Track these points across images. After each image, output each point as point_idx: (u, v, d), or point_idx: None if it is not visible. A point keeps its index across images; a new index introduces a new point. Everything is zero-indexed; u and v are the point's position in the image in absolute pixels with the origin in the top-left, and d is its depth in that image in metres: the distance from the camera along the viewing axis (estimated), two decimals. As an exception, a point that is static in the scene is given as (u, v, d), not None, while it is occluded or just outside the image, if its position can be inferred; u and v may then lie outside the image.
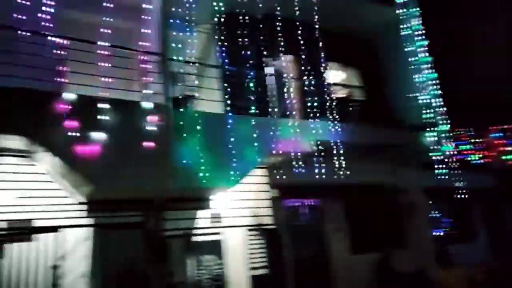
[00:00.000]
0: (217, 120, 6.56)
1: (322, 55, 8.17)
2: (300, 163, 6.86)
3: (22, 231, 5.77)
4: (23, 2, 5.39)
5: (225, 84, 7.15)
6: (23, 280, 5.67)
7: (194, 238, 6.71)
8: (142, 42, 6.29)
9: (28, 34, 5.28)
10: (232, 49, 7.16)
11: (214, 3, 7.14)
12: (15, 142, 5.30)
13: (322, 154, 7.16)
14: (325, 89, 8.13)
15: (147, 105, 5.84)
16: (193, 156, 5.97)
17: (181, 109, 6.31)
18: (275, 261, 6.98)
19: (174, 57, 6.42)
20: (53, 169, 5.68)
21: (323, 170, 7.18)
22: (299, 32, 8.04)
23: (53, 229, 5.74)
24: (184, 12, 6.59)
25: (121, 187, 5.66)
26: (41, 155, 5.46)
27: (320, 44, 8.09)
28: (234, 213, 7.04)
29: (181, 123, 6.01)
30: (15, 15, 5.34)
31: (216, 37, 7.60)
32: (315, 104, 7.72)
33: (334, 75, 9.57)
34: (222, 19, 7.26)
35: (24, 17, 5.35)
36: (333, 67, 9.44)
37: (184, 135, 5.99)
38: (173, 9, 6.54)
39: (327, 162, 7.21)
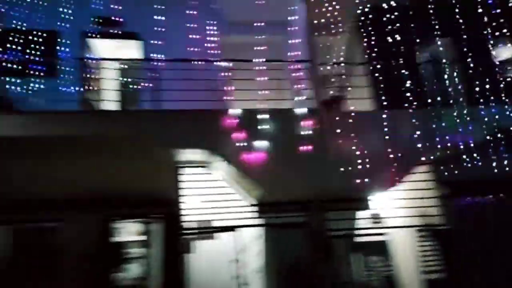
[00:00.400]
0: (371, 117, 6.40)
1: (487, 31, 7.08)
2: (473, 155, 6.05)
3: (207, 230, 6.76)
4: (196, 36, 6.47)
5: (375, 80, 6.92)
6: (209, 271, 6.63)
7: (358, 239, 6.64)
8: (292, 52, 6.66)
9: (200, 62, 6.22)
10: (379, 42, 6.90)
11: (357, 0, 7.03)
12: (197, 155, 6.29)
13: (502, 143, 6.15)
14: (496, 69, 7.00)
15: (301, 111, 6.14)
16: (350, 156, 5.97)
17: (333, 111, 6.40)
18: (451, 266, 6.29)
19: (322, 61, 6.58)
20: (227, 176, 6.48)
21: (505, 162, 6.16)
22: (454, 10, 7.16)
23: (231, 228, 6.56)
24: (328, 15, 6.71)
25: (286, 189, 6.09)
26: (217, 165, 6.32)
27: (484, 18, 7.03)
28: (397, 213, 6.68)
29: (335, 124, 6.10)
30: (189, 49, 6.46)
31: (361, 33, 7.44)
32: (485, 87, 6.71)
33: (505, 51, 8.13)
34: (365, 14, 7.08)
35: (196, 49, 6.41)
36: (503, 42, 8.04)
37: (339, 136, 6.04)
38: (317, 15, 6.73)
39: (509, 152, 6.16)
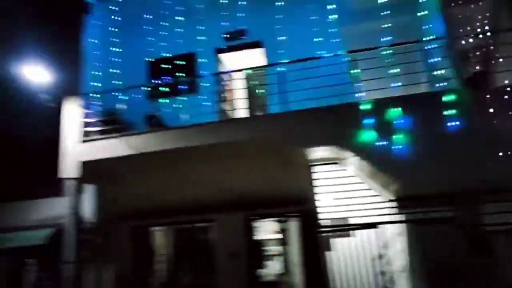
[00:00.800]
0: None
1: None
2: None
3: (345, 227, 6.64)
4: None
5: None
6: (350, 268, 6.49)
7: (528, 234, 5.63)
8: (424, 30, 6.06)
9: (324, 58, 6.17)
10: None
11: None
12: (329, 152, 6.25)
13: None
14: None
15: (441, 93, 5.54)
16: (509, 138, 5.12)
17: (481, 88, 5.58)
18: None
19: (461, 35, 5.83)
20: (361, 171, 6.27)
21: None
22: None
23: (371, 225, 6.30)
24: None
25: (428, 181, 5.57)
26: (350, 160, 6.16)
27: None
28: None
29: (484, 103, 5.32)
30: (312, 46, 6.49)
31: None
32: None
33: None
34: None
35: (319, 45, 6.39)
36: None
37: (492, 116, 5.24)
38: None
39: None
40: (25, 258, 8.25)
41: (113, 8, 8.27)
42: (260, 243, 8.43)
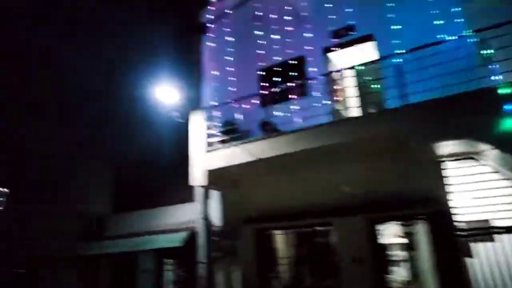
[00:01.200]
0: None
1: None
2: None
3: (488, 231, 5.81)
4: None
5: None
6: (498, 278, 5.65)
7: None
8: None
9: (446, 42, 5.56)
10: None
11: None
12: (458, 146, 5.58)
13: None
14: None
15: None
16: None
17: None
18: None
19: None
20: (503, 166, 5.43)
21: None
22: None
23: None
24: None
25: None
26: (487, 154, 5.40)
27: None
28: None
29: None
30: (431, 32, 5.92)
31: None
32: None
33: None
34: None
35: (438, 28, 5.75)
36: None
37: None
38: None
39: None
40: (164, 258, 9.33)
41: (226, 27, 8.90)
42: (385, 247, 7.96)
